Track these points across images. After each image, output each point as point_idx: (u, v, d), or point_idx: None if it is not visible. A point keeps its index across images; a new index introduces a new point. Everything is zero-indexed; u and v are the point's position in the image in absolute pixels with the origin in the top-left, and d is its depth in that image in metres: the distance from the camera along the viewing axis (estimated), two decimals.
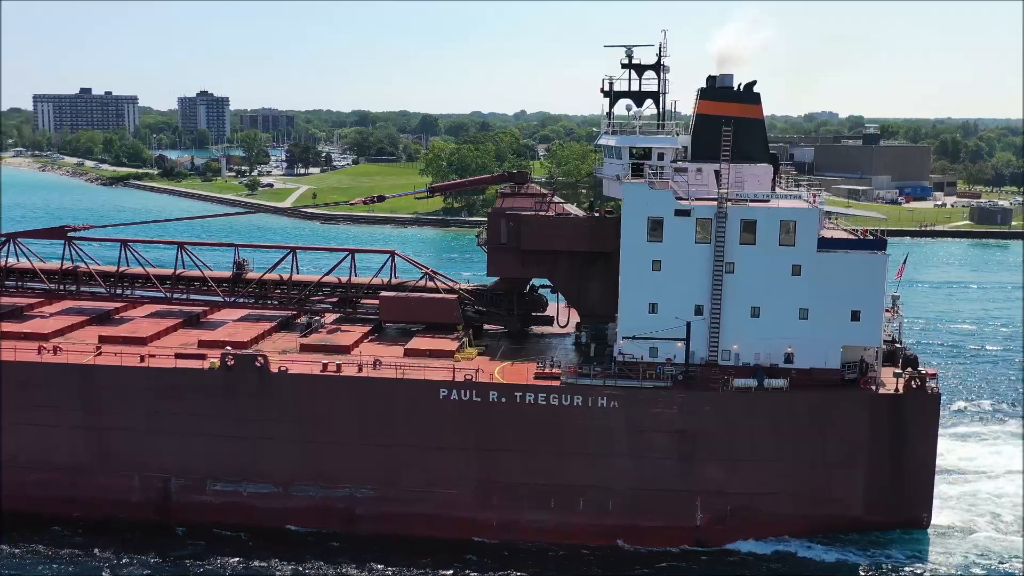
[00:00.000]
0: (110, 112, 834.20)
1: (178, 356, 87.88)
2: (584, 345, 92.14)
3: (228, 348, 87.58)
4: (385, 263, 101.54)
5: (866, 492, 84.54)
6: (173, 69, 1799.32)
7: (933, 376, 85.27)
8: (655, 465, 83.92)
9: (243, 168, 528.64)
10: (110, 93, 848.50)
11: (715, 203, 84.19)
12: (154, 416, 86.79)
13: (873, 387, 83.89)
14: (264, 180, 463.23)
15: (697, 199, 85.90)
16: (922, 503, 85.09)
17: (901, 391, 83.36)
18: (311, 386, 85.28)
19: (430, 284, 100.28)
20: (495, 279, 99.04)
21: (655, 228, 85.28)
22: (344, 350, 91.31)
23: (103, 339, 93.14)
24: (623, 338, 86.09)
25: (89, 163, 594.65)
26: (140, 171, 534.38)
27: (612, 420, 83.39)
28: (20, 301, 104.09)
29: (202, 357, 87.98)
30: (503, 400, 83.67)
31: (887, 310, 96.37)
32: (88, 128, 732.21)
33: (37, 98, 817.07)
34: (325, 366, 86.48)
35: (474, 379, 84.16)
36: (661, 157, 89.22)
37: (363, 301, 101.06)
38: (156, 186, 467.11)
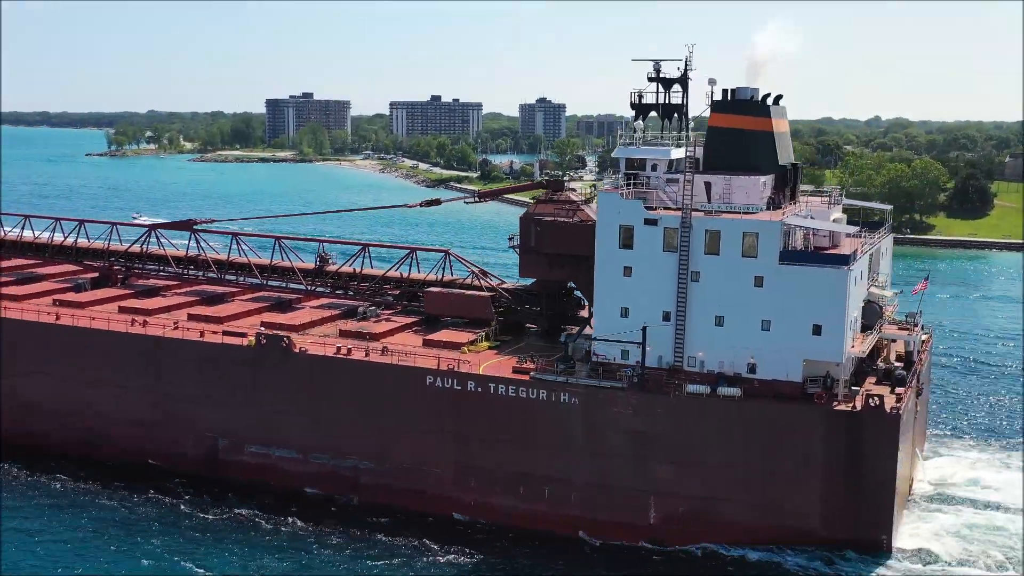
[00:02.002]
0: (456, 118, 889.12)
1: (225, 334, 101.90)
2: (563, 344, 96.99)
3: (261, 329, 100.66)
4: (440, 261, 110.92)
5: (823, 508, 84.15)
6: (519, 76, 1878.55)
7: (903, 397, 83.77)
8: (611, 462, 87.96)
9: (556, 172, 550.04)
10: (457, 100, 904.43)
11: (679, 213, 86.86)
12: (204, 384, 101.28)
13: (827, 402, 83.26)
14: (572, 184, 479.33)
15: (666, 208, 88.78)
16: (881, 525, 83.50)
17: (859, 409, 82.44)
18: (321, 366, 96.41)
19: (476, 282, 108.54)
20: (533, 280, 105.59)
21: (626, 236, 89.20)
22: (375, 337, 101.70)
23: (191, 316, 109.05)
24: (595, 339, 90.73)
25: (423, 166, 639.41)
26: (462, 175, 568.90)
27: (573, 416, 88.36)
28: (158, 283, 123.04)
29: (243, 335, 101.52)
30: (479, 390, 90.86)
31: (905, 326, 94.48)
32: (435, 133, 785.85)
33: (393, 105, 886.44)
34: (339, 349, 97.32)
35: (456, 369, 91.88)
36: (655, 168, 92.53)
37: (420, 294, 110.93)
38: (468, 188, 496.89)
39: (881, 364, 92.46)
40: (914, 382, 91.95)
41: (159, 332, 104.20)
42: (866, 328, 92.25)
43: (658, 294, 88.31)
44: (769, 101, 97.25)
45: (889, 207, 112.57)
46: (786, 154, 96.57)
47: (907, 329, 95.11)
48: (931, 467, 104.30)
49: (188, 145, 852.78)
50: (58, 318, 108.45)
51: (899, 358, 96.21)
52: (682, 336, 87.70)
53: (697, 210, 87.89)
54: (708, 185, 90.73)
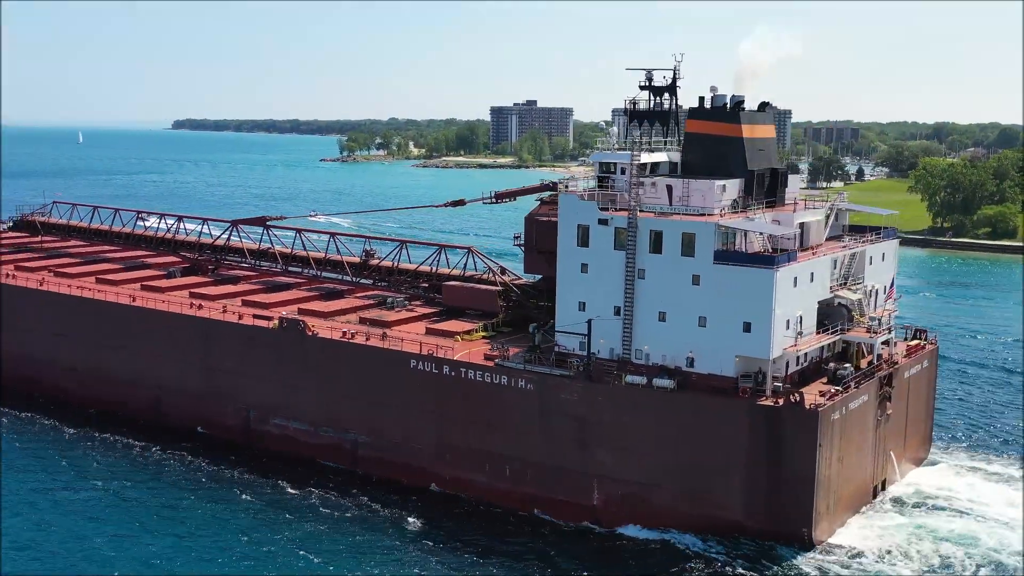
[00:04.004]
0: None
1: (256, 317, 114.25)
2: (531, 335, 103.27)
3: (284, 313, 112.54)
4: (464, 257, 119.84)
5: (745, 499, 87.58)
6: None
7: (835, 395, 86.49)
8: (560, 445, 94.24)
9: None
10: (681, 106, 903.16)
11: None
12: (241, 361, 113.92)
13: (751, 397, 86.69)
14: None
15: (617, 209, 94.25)
16: (802, 519, 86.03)
17: (780, 404, 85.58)
18: (328, 348, 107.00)
19: (492, 277, 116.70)
20: (540, 277, 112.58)
21: (583, 234, 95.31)
22: (387, 325, 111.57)
23: (244, 302, 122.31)
24: (557, 331, 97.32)
25: None
26: None
27: (528, 401, 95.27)
28: (239, 273, 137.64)
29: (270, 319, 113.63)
30: (453, 374, 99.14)
31: (874, 330, 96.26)
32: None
33: (616, 112, 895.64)
34: (344, 334, 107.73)
35: (434, 354, 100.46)
36: (623, 172, 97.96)
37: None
38: None
39: (831, 365, 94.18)
40: (872, 385, 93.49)
41: (208, 315, 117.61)
42: (826, 328, 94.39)
43: (610, 290, 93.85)
44: (754, 107, 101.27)
45: (893, 212, 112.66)
46: (761, 159, 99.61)
47: (873, 333, 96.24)
48: (922, 473, 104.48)
49: (415, 151, 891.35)
50: (134, 299, 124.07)
51: (870, 362, 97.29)
52: (629, 330, 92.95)
53: (646, 212, 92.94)
54: (670, 188, 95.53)
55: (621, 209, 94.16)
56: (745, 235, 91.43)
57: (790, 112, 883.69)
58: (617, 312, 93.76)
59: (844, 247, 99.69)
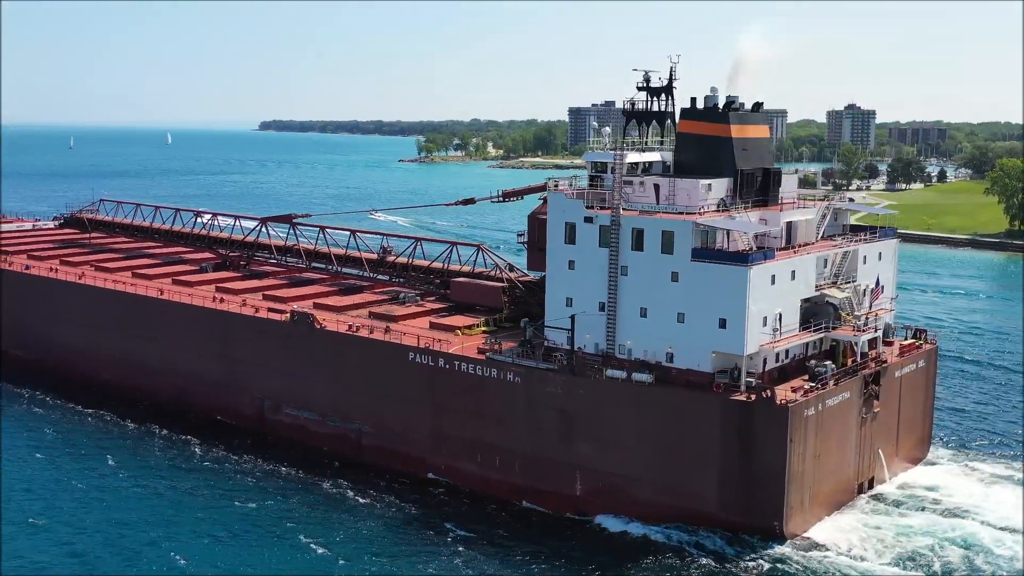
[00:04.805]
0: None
1: (270, 310, 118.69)
2: (523, 330, 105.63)
3: (295, 307, 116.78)
4: (474, 254, 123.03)
5: (719, 492, 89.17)
6: (826, 80, 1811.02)
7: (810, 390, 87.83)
8: (545, 437, 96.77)
9: (841, 183, 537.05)
10: (760, 105, 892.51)
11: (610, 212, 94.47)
12: (256, 352, 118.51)
13: (725, 392, 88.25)
14: (849, 194, 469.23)
15: (602, 208, 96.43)
16: (773, 513, 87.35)
17: (752, 400, 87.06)
18: (334, 340, 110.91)
19: (499, 274, 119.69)
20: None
21: (570, 232, 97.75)
22: (394, 319, 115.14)
23: (264, 296, 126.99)
24: (546, 326, 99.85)
25: None
26: None
27: (516, 393, 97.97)
28: (267, 269, 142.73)
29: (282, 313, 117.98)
30: (447, 367, 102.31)
31: (859, 328, 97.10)
32: None
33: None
34: (349, 327, 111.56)
35: (430, 348, 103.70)
36: (613, 171, 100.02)
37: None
38: None
39: (812, 362, 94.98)
40: (856, 383, 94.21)
41: (227, 308, 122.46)
42: (811, 326, 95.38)
43: (595, 286, 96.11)
44: (749, 107, 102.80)
45: (893, 212, 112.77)
46: (752, 159, 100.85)
47: (858, 332, 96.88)
48: (917, 472, 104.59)
49: (493, 152, 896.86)
50: (161, 293, 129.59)
51: (854, 360, 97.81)
52: (613, 325, 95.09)
53: (629, 210, 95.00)
54: (657, 187, 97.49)
55: (605, 207, 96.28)
56: (728, 234, 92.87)
57: (874, 112, 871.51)
58: (602, 308, 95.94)
59: (835, 246, 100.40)
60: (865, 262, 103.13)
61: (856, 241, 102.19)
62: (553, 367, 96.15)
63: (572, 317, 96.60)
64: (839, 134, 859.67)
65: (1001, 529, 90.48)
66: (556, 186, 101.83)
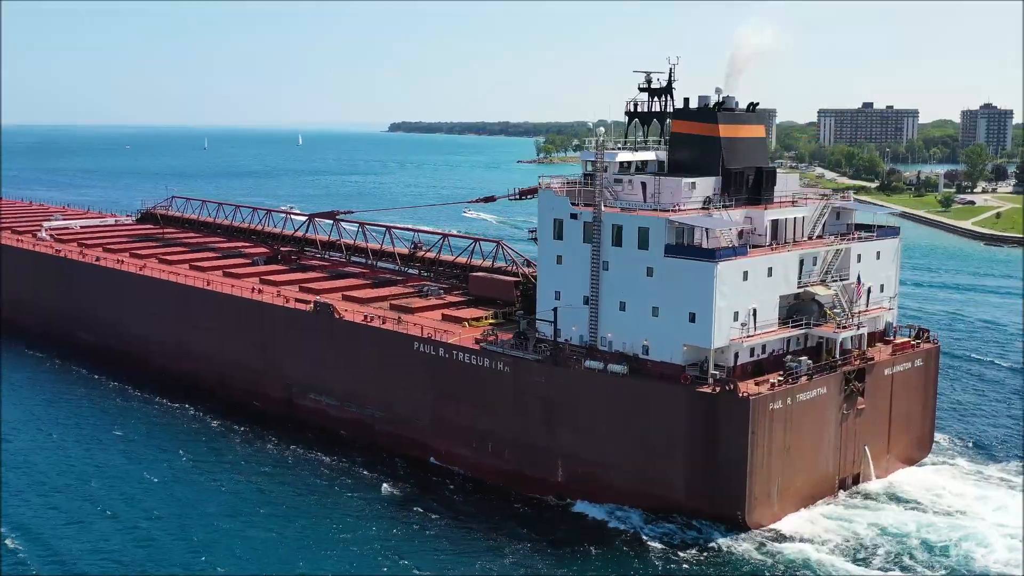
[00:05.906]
0: (888, 126, 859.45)
1: (297, 301, 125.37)
2: (516, 322, 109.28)
3: (318, 298, 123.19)
4: (494, 249, 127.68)
5: (686, 479, 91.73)
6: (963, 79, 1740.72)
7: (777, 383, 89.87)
8: (531, 424, 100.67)
9: (966, 184, 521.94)
10: (891, 107, 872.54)
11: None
12: (286, 340, 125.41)
13: (692, 383, 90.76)
14: (970, 197, 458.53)
15: (587, 205, 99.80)
16: (734, 502, 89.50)
17: (717, 392, 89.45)
18: (351, 330, 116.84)
19: (515, 269, 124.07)
20: None
21: (558, 228, 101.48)
22: (411, 311, 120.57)
23: (301, 288, 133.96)
24: (537, 319, 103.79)
25: (829, 175, 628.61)
26: (862, 184, 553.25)
27: (505, 382, 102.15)
28: (313, 263, 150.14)
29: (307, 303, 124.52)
30: (447, 356, 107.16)
31: (843, 324, 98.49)
32: (865, 141, 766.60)
33: (821, 113, 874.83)
34: (364, 317, 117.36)
35: (432, 337, 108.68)
36: (606, 169, 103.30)
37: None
38: (862, 199, 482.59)
39: (788, 357, 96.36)
40: (834, 379, 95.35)
41: (261, 299, 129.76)
42: (796, 323, 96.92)
43: (580, 280, 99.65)
44: (743, 107, 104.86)
45: (897, 209, 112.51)
46: (743, 158, 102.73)
47: (840, 329, 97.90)
48: (912, 472, 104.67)
49: None
50: (208, 283, 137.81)
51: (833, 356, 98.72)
52: (595, 318, 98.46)
53: (611, 207, 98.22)
54: (644, 185, 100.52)
55: (588, 204, 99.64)
56: (706, 231, 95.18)
57: (1011, 112, 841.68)
58: (586, 301, 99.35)
59: (825, 244, 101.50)
60: (859, 260, 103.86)
61: (849, 239, 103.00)
62: (538, 357, 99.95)
63: (555, 310, 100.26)
64: (973, 135, 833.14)
65: (971, 530, 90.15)
66: (547, 184, 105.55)
